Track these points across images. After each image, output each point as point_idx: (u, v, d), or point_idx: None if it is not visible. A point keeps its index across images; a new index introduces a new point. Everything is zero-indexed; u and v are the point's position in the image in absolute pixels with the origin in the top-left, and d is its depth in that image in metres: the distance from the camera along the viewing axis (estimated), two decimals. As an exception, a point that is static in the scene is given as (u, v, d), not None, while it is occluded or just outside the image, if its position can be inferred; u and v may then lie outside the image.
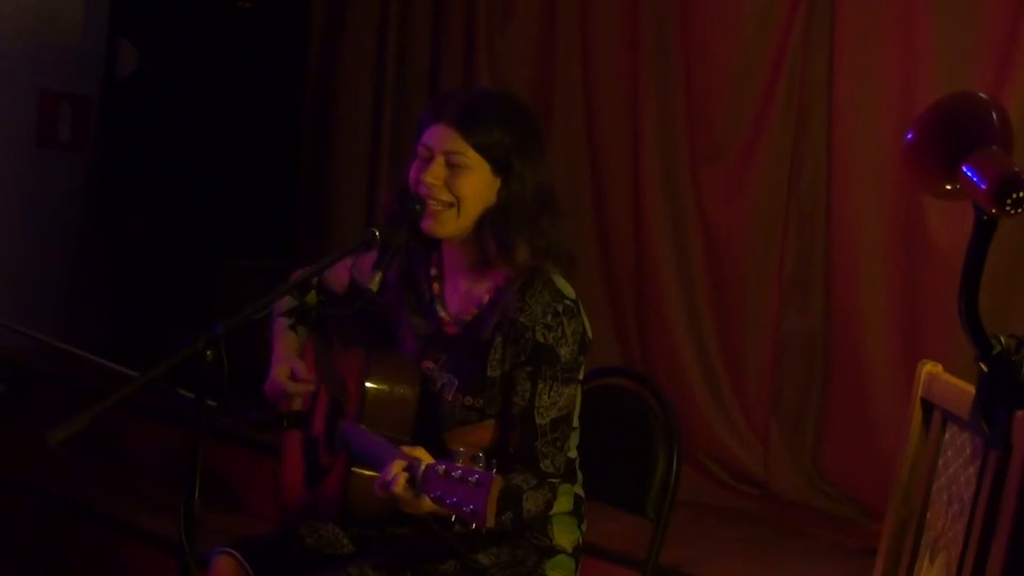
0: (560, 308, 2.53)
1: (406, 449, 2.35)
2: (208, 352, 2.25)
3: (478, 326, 2.58)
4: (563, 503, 2.63)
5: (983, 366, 1.75)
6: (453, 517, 2.16)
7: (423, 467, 2.23)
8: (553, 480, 2.53)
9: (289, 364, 2.69)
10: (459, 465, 2.17)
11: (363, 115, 5.26)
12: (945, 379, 2.28)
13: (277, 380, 2.68)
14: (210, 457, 2.31)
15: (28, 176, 5.59)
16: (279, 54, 5.52)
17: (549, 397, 2.51)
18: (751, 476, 4.30)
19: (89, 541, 4.35)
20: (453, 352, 2.60)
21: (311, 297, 2.85)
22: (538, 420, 2.51)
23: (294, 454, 2.80)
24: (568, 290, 2.57)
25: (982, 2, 3.82)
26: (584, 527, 2.70)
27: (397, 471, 2.28)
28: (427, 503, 2.24)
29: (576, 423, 2.61)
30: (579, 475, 2.68)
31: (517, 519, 2.48)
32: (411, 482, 2.26)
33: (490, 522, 2.12)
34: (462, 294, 2.63)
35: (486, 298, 2.59)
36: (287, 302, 2.84)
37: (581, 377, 2.58)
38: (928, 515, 2.24)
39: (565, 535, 2.64)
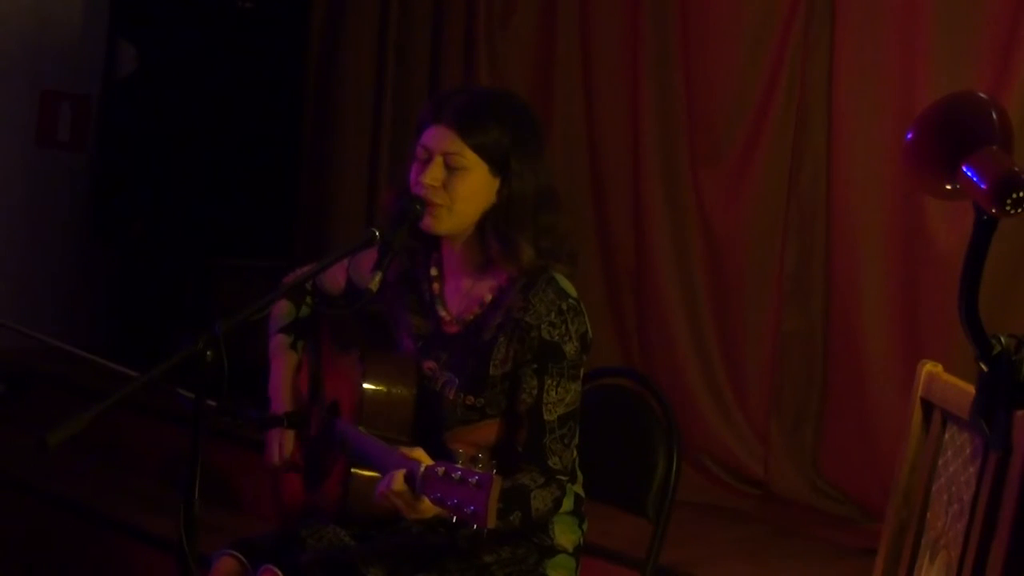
0: (564, 306, 2.53)
1: (404, 450, 2.35)
2: (208, 352, 2.25)
3: (480, 325, 2.58)
4: (564, 503, 2.63)
5: (983, 366, 1.74)
6: (455, 519, 2.16)
7: (422, 468, 2.23)
8: (561, 477, 2.53)
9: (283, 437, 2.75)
10: (459, 467, 2.17)
11: (363, 115, 5.26)
12: (945, 379, 2.28)
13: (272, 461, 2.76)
14: (210, 457, 2.31)
15: (28, 176, 5.59)
16: (279, 54, 5.52)
17: (556, 393, 2.52)
18: (751, 476, 4.30)
19: (89, 541, 4.35)
20: (454, 351, 2.60)
21: (309, 299, 2.84)
22: (546, 416, 2.51)
23: (294, 455, 2.79)
24: (571, 289, 2.57)
25: (982, 2, 3.82)
26: (585, 527, 2.70)
27: (396, 476, 2.28)
28: (427, 505, 2.25)
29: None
30: (579, 475, 2.68)
31: (526, 518, 2.47)
32: (411, 484, 2.26)
33: (491, 523, 2.12)
34: (463, 294, 2.63)
35: (488, 297, 2.59)
36: (286, 311, 2.83)
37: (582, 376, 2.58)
38: (928, 515, 2.24)
39: (566, 535, 2.64)
